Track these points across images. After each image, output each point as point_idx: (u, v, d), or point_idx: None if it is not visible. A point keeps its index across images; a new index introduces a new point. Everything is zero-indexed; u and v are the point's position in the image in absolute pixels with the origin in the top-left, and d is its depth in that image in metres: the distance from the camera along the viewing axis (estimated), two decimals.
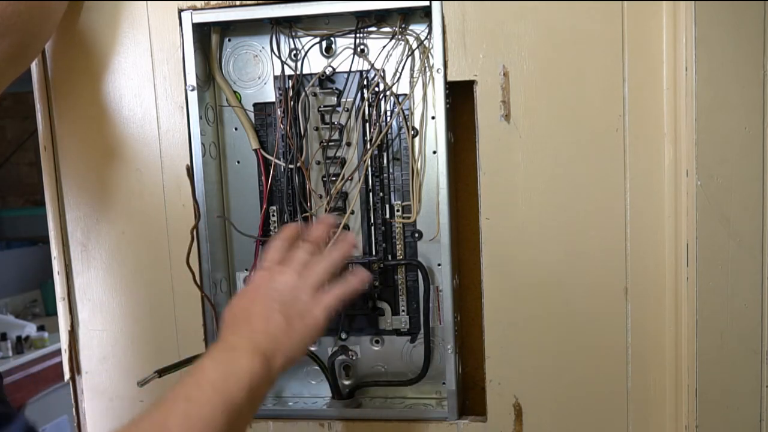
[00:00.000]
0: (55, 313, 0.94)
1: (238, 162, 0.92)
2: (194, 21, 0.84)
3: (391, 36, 0.84)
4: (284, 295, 0.69)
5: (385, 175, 0.88)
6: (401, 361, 0.91)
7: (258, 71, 0.89)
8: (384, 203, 0.88)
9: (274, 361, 0.66)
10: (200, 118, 0.86)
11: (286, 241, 0.75)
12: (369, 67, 0.86)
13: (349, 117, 0.87)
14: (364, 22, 0.84)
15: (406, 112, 0.86)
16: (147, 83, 0.86)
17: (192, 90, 0.85)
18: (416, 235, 0.88)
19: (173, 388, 0.62)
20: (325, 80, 0.87)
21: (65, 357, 0.91)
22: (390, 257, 0.89)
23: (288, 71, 0.87)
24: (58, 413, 2.60)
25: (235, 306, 0.71)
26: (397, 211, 0.88)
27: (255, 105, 0.90)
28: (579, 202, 0.79)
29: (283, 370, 0.67)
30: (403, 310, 0.89)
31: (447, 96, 0.81)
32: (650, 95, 0.77)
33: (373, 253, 0.89)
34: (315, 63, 0.87)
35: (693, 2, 0.71)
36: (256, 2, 0.82)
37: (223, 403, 0.60)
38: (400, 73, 0.85)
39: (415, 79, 0.85)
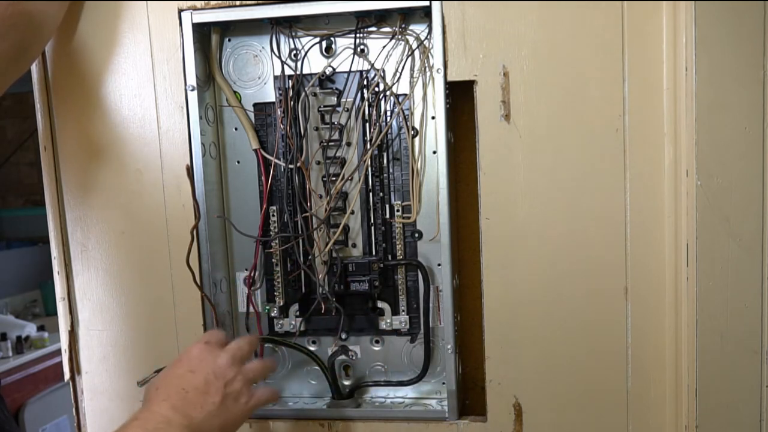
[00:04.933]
0: (55, 313, 0.94)
1: (238, 162, 0.92)
2: (194, 21, 0.84)
3: (391, 36, 0.84)
4: (225, 373, 0.71)
5: (385, 175, 0.88)
6: (401, 361, 0.91)
7: (258, 71, 0.89)
8: (384, 203, 0.88)
9: None
10: (200, 118, 0.86)
11: (221, 334, 0.78)
12: (369, 67, 0.86)
13: (349, 117, 0.87)
14: (364, 22, 0.84)
15: (406, 112, 0.86)
16: (147, 83, 0.86)
17: (192, 90, 0.85)
18: (416, 235, 0.88)
19: None
20: (325, 80, 0.87)
21: (65, 357, 0.91)
22: (390, 257, 0.89)
23: (288, 71, 0.87)
24: (58, 413, 2.60)
25: (172, 373, 0.71)
26: (397, 211, 0.88)
27: (255, 105, 0.90)
28: (579, 202, 0.79)
29: None
30: (403, 310, 0.89)
31: (447, 96, 0.81)
32: (650, 95, 0.77)
33: (373, 253, 0.89)
34: (315, 63, 0.87)
35: (693, 2, 0.71)
36: (256, 2, 0.82)
37: None
38: (400, 73, 0.85)
39: (415, 79, 0.85)
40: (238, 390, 0.71)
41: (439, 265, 0.86)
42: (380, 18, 0.84)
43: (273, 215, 0.90)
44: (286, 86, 0.87)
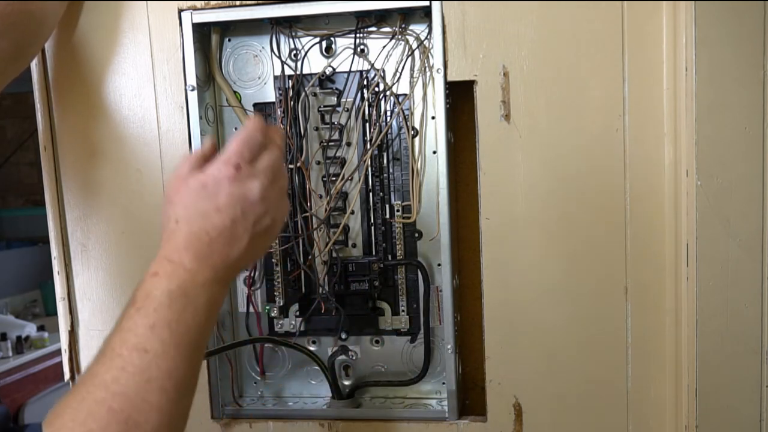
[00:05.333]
0: (55, 313, 0.94)
1: None
2: (194, 21, 0.84)
3: (391, 36, 0.84)
4: (255, 208, 0.59)
5: (385, 175, 0.88)
6: (401, 361, 0.91)
7: (258, 71, 0.89)
8: (384, 203, 0.88)
9: (228, 282, 0.60)
10: (200, 118, 0.86)
11: (259, 134, 0.61)
12: (369, 67, 0.86)
13: (349, 117, 0.87)
14: (364, 22, 0.84)
15: (406, 112, 0.86)
16: (147, 83, 0.86)
17: (192, 90, 0.85)
18: (416, 235, 0.88)
19: (121, 326, 0.54)
20: (325, 80, 0.87)
21: (65, 357, 0.91)
22: (390, 257, 0.89)
23: (288, 71, 0.87)
24: None
25: (195, 207, 0.58)
26: (397, 211, 0.88)
27: (255, 105, 0.90)
28: (579, 202, 0.79)
29: None
30: (403, 310, 0.89)
31: (447, 96, 0.81)
32: (650, 95, 0.77)
33: (373, 253, 0.89)
34: (315, 63, 0.87)
35: (693, 2, 0.71)
36: (256, 2, 0.82)
37: (180, 348, 0.54)
38: (400, 73, 0.85)
39: (415, 79, 0.85)
40: (267, 225, 0.60)
41: (439, 265, 0.86)
42: (380, 18, 0.84)
43: None
44: (286, 86, 0.87)
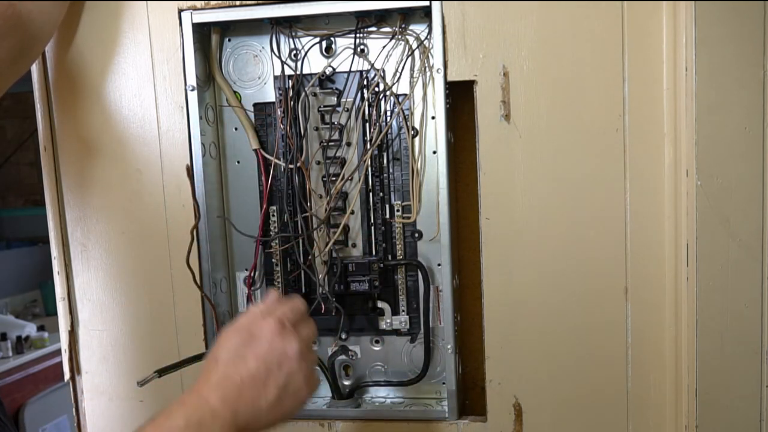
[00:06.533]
0: (55, 313, 0.94)
1: (238, 162, 0.92)
2: (194, 21, 0.84)
3: (391, 36, 0.84)
4: (290, 366, 0.63)
5: (385, 175, 0.88)
6: (401, 361, 0.91)
7: (258, 71, 0.89)
8: (384, 203, 0.88)
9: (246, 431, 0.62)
10: (200, 118, 0.86)
11: (304, 307, 0.69)
12: (369, 67, 0.86)
13: (349, 117, 0.87)
14: (364, 22, 0.84)
15: (406, 112, 0.86)
16: (147, 83, 0.86)
17: (192, 90, 0.85)
18: (416, 235, 0.88)
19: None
20: (325, 80, 0.87)
21: (65, 357, 0.91)
22: (390, 257, 0.89)
23: (288, 71, 0.87)
24: (58, 413, 2.60)
25: (237, 351, 0.63)
26: (397, 211, 0.88)
27: (255, 105, 0.90)
28: (579, 202, 0.79)
29: None
30: (403, 310, 0.89)
31: (447, 96, 0.81)
32: (650, 95, 0.77)
33: (373, 253, 0.89)
34: (315, 63, 0.87)
35: (693, 2, 0.71)
36: (256, 2, 0.82)
37: None
38: (400, 73, 0.85)
39: (415, 79, 0.85)
40: (298, 386, 0.63)
41: (439, 265, 0.86)
42: (380, 18, 0.84)
43: (273, 215, 0.90)
44: (286, 86, 0.87)
